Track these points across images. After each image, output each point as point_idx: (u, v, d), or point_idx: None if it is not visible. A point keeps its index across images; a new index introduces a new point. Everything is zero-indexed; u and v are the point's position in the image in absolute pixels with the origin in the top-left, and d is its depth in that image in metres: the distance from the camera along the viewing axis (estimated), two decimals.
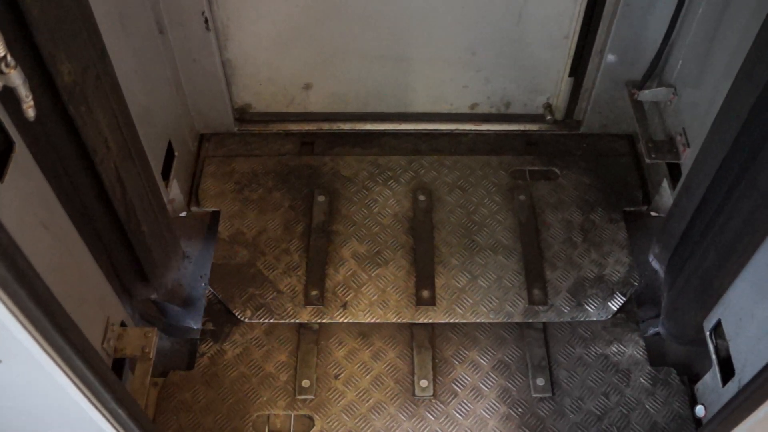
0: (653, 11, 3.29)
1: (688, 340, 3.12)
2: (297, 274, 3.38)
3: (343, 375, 3.16)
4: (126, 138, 2.62)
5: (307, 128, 3.91)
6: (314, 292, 3.32)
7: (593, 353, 3.20)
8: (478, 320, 3.26)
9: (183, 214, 3.62)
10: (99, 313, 2.63)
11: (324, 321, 3.25)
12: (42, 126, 2.24)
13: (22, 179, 2.13)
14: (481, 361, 3.18)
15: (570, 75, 3.70)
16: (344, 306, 3.29)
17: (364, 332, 3.26)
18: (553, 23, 3.51)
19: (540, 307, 3.29)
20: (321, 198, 3.61)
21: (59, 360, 1.70)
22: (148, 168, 2.92)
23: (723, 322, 2.80)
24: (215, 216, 3.62)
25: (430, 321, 3.25)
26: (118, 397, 1.97)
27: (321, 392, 3.11)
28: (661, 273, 3.22)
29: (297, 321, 3.26)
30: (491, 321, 3.26)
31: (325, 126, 3.91)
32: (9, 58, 1.77)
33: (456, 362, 3.18)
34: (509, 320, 3.26)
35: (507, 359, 3.19)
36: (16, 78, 1.81)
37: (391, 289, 3.34)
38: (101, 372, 1.86)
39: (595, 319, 3.28)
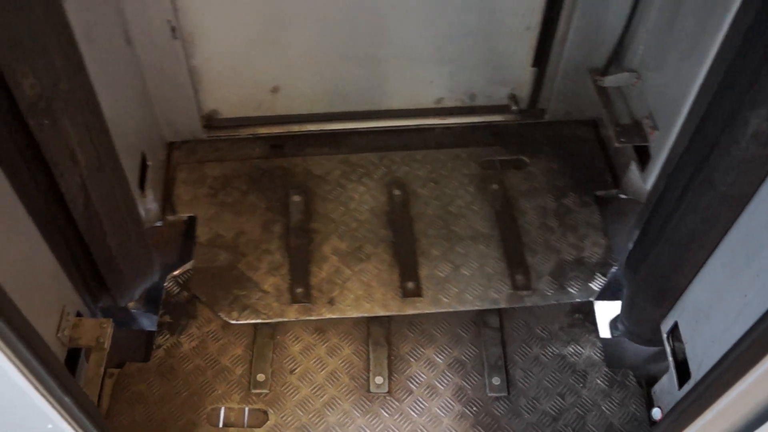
0: None
1: (646, 339, 3.14)
2: (280, 274, 3.38)
3: (298, 370, 3.16)
4: (99, 151, 2.60)
5: (276, 131, 3.92)
6: (300, 290, 3.32)
7: (550, 353, 3.23)
8: (464, 308, 3.29)
9: (159, 223, 3.60)
10: (54, 303, 2.60)
11: (312, 318, 3.25)
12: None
13: None
14: (437, 359, 3.21)
15: (533, 65, 3.76)
16: (331, 302, 3.29)
17: (321, 327, 3.28)
18: (515, 15, 3.56)
19: (524, 292, 3.33)
20: (296, 198, 3.62)
21: (5, 348, 1.71)
22: (123, 180, 2.89)
23: (680, 324, 2.81)
24: (191, 223, 3.60)
25: (418, 312, 3.27)
26: (65, 386, 1.97)
27: (276, 387, 3.12)
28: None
29: (285, 319, 3.25)
30: (478, 308, 3.29)
31: (294, 128, 3.92)
32: None
33: (412, 359, 3.20)
34: (495, 306, 3.29)
35: (463, 358, 3.21)
36: None
37: (376, 282, 3.35)
38: (46, 359, 1.87)
39: (579, 300, 3.33)
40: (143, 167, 3.41)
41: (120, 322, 3.18)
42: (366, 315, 3.27)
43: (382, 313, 3.27)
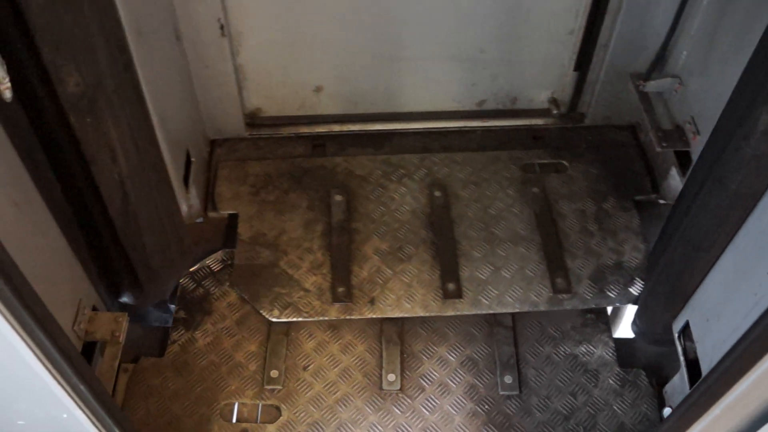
0: (657, 4, 3.38)
1: (658, 340, 3.15)
2: (322, 272, 3.40)
3: (311, 367, 3.19)
4: (140, 149, 2.62)
5: (317, 130, 3.95)
6: (341, 289, 3.34)
7: (562, 353, 3.24)
8: (504, 310, 3.30)
9: (200, 219, 3.63)
10: (70, 296, 2.63)
11: (353, 317, 3.28)
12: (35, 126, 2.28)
13: None
14: (450, 357, 3.23)
15: (575, 69, 3.78)
16: (372, 302, 3.31)
17: (334, 325, 3.31)
18: (559, 19, 3.59)
19: (564, 295, 3.34)
20: (338, 197, 3.64)
21: (23, 334, 1.73)
22: (165, 178, 2.92)
23: (691, 323, 2.82)
24: (232, 220, 3.63)
25: (458, 313, 3.29)
26: (83, 376, 1.99)
27: (289, 383, 3.14)
28: None
29: (326, 318, 3.27)
30: (517, 311, 3.30)
31: (336, 128, 3.95)
32: None
33: (424, 357, 3.22)
34: (535, 309, 3.30)
35: (475, 356, 3.23)
36: None
37: (417, 283, 3.37)
38: (65, 349, 1.89)
39: (618, 305, 3.35)
40: (187, 163, 3.44)
41: (136, 317, 3.23)
42: (407, 315, 3.28)
43: (422, 313, 3.28)
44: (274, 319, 3.27)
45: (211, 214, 3.66)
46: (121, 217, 2.69)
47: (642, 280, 3.37)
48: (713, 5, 3.19)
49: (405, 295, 3.33)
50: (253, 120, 3.92)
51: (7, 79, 1.88)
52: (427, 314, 3.28)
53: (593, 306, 3.32)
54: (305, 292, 3.35)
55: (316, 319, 3.28)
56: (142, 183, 2.70)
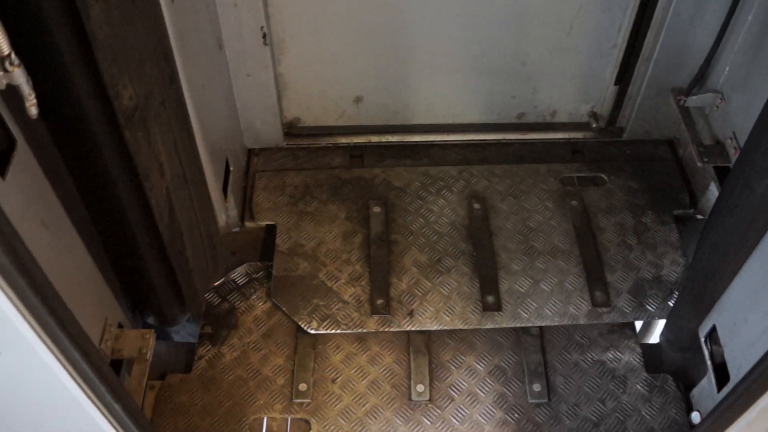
0: (701, 20, 3.38)
1: (684, 346, 3.15)
2: (361, 284, 3.40)
3: (340, 379, 3.17)
4: (182, 162, 2.64)
5: (356, 141, 3.95)
6: (380, 301, 3.34)
7: (590, 359, 3.23)
8: (543, 324, 3.29)
9: (236, 229, 3.64)
10: (97, 314, 2.65)
11: (392, 330, 3.27)
12: (86, 143, 2.27)
13: (24, 178, 2.14)
14: (478, 366, 3.21)
15: (616, 83, 3.77)
16: (410, 314, 3.31)
17: (361, 337, 3.29)
18: (602, 33, 3.59)
19: (603, 309, 3.33)
20: (377, 209, 3.64)
21: (57, 351, 1.73)
22: (203, 189, 2.93)
23: (718, 327, 2.81)
24: (269, 230, 3.64)
25: (497, 326, 3.28)
26: (115, 392, 1.99)
27: (318, 396, 3.13)
28: None
29: (364, 330, 3.27)
30: (557, 324, 3.29)
31: (374, 138, 3.95)
32: (13, 56, 1.77)
33: (453, 367, 3.21)
34: (574, 323, 3.30)
35: (503, 365, 3.22)
36: (19, 76, 1.81)
37: (456, 295, 3.36)
38: (98, 365, 1.89)
39: (657, 318, 3.34)
40: (227, 173, 3.45)
41: (161, 334, 3.23)
42: (446, 328, 3.28)
43: (461, 326, 3.27)
44: (312, 331, 3.26)
45: (248, 224, 3.66)
46: (168, 232, 2.69)
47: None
48: (757, 21, 3.17)
49: (444, 308, 3.32)
50: (291, 130, 3.92)
51: (33, 96, 1.88)
52: (467, 327, 3.27)
53: (632, 320, 3.31)
54: (344, 304, 3.34)
55: (354, 331, 3.27)
56: (183, 196, 2.71)
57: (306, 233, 3.57)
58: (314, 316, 3.30)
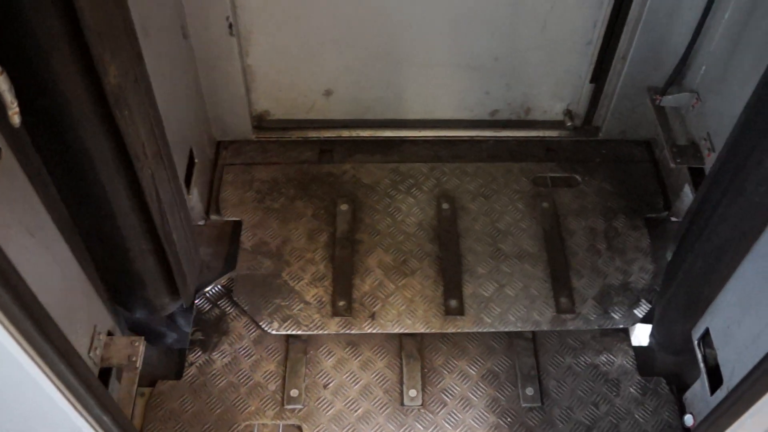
0: (678, 17, 3.30)
1: (677, 350, 3.12)
2: (323, 285, 3.36)
3: (331, 385, 3.14)
4: (159, 144, 2.59)
5: (326, 135, 3.89)
6: (342, 303, 3.30)
7: (583, 363, 3.21)
8: (506, 329, 3.25)
9: (201, 222, 3.59)
10: (85, 322, 2.61)
11: (353, 332, 3.23)
12: (72, 132, 2.22)
13: (8, 186, 2.09)
14: (470, 370, 3.18)
15: (591, 81, 3.70)
16: (372, 317, 3.27)
17: (353, 341, 3.25)
18: (577, 30, 3.51)
19: (567, 316, 3.29)
20: (344, 206, 3.59)
21: (43, 365, 1.71)
22: (176, 176, 2.88)
23: (711, 330, 2.80)
24: (234, 225, 3.60)
25: (459, 330, 3.24)
26: (103, 404, 1.97)
27: (309, 402, 3.10)
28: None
29: (325, 332, 3.23)
30: (519, 330, 3.25)
31: (345, 133, 3.90)
32: None
33: (445, 372, 3.18)
34: (537, 329, 3.26)
35: (496, 369, 3.19)
36: (2, 83, 1.78)
37: (419, 298, 3.32)
38: (85, 377, 1.87)
39: (621, 326, 3.29)
40: (190, 164, 3.39)
41: (152, 338, 3.20)
42: (407, 331, 3.24)
43: (423, 330, 3.24)
44: (273, 332, 3.23)
45: (214, 217, 3.61)
46: (159, 216, 2.65)
47: (648, 301, 3.33)
48: (734, 21, 3.11)
49: (406, 311, 3.28)
50: (261, 123, 3.87)
51: (16, 104, 1.84)
52: (428, 331, 3.24)
53: (596, 327, 3.28)
54: (306, 305, 3.30)
55: (315, 332, 3.24)
56: (163, 177, 2.67)
57: (271, 231, 3.53)
58: (275, 316, 3.27)
